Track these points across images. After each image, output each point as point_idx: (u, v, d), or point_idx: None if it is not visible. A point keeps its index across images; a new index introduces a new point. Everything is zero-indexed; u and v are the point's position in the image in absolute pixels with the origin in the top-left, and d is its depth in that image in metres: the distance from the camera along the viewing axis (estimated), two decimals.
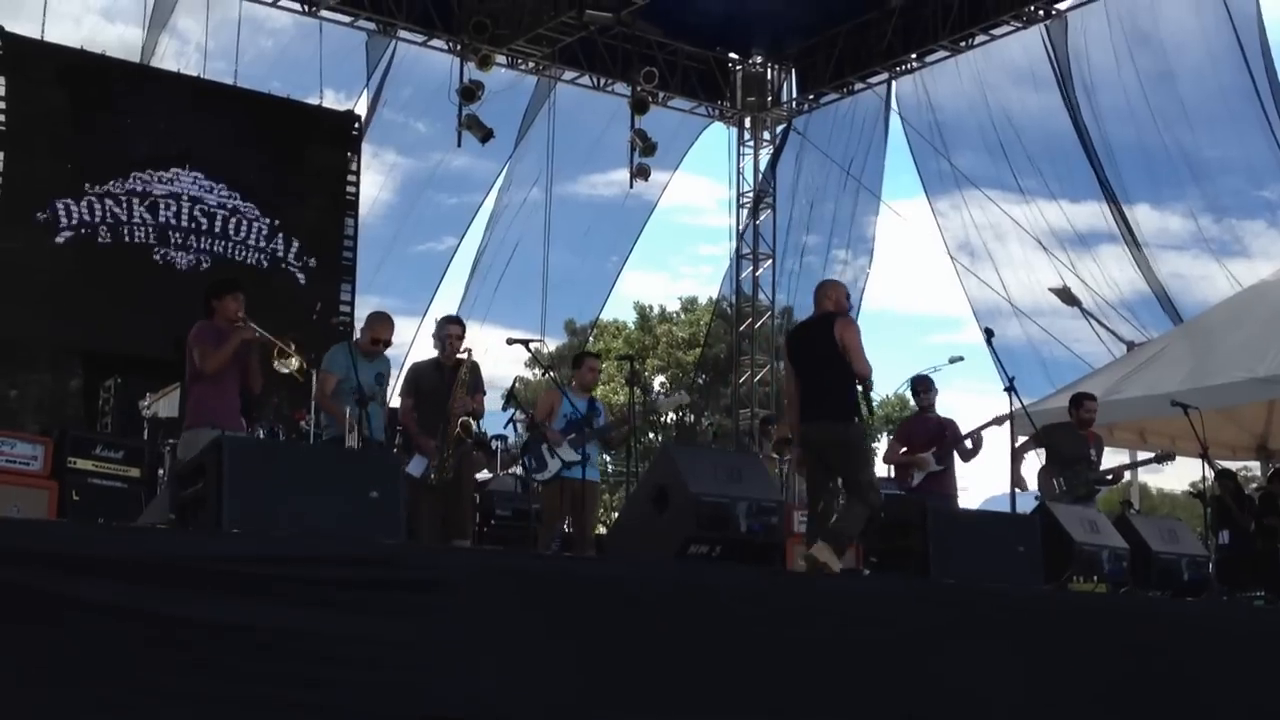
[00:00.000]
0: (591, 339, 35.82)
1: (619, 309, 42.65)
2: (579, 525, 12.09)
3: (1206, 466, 12.84)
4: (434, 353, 11.60)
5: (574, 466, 11.76)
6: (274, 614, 5.94)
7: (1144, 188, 19.44)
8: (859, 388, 9.77)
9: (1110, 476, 13.68)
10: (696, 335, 39.19)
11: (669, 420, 39.43)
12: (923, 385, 14.31)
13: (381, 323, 11.43)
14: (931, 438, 13.46)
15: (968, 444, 13.63)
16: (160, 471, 13.05)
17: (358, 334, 13.37)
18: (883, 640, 7.73)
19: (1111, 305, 19.19)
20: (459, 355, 11.28)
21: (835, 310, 10.08)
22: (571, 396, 12.14)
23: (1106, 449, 13.72)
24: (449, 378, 11.28)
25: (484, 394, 11.51)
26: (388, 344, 11.46)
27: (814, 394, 9.93)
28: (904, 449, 13.67)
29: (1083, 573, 9.41)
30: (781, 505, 8.96)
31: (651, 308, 43.58)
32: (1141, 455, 15.20)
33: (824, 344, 9.86)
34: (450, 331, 11.49)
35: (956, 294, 21.25)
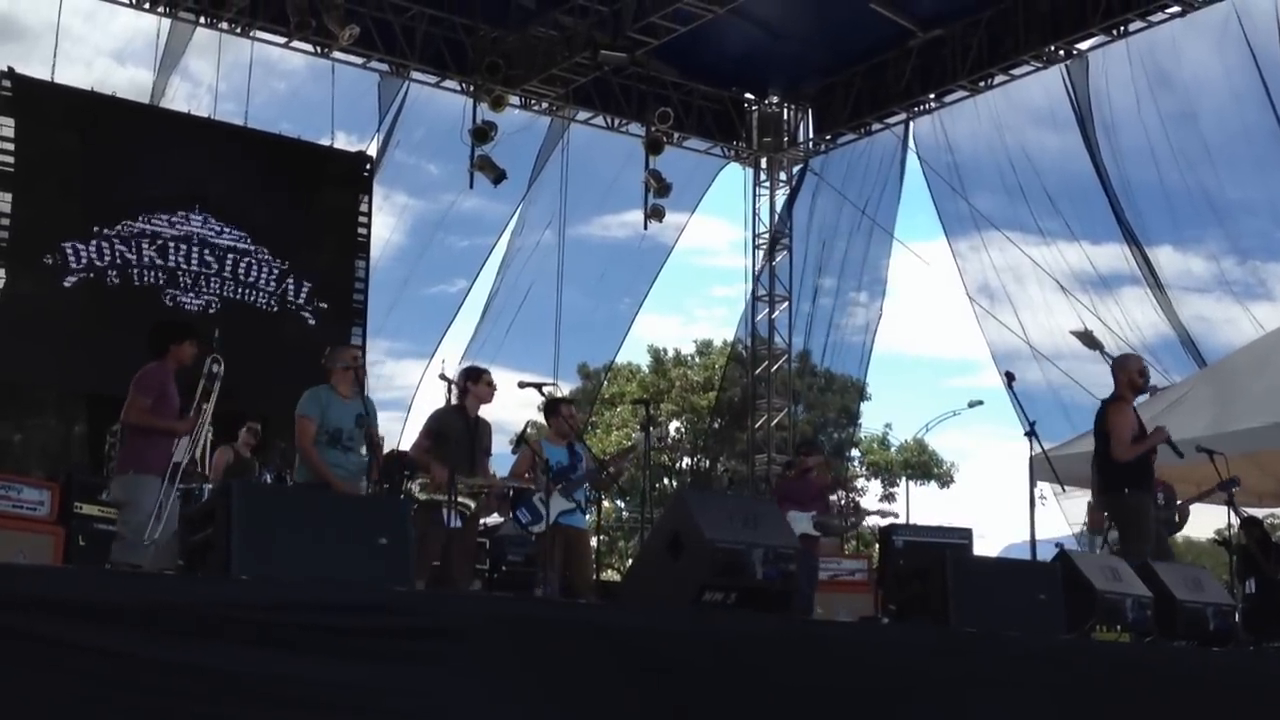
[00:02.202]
0: (605, 382, 35.79)
1: (633, 352, 42.60)
2: (576, 572, 12.06)
3: (1232, 513, 12.78)
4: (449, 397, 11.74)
5: (566, 515, 11.86)
6: (283, 661, 5.92)
7: (1166, 229, 19.41)
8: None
9: (1178, 518, 13.62)
10: (712, 379, 39.14)
11: (682, 466, 39.37)
12: (806, 449, 15.50)
13: (345, 349, 11.10)
14: (809, 500, 13.63)
15: (849, 520, 14.07)
16: None
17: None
18: (903, 689, 7.70)
19: (1134, 348, 19.09)
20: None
21: (1115, 392, 11.89)
22: (551, 447, 12.14)
23: None
24: (472, 426, 11.49)
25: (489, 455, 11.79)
26: (361, 367, 11.04)
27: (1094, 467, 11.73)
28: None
29: (1105, 622, 9.34)
30: (798, 552, 8.91)
31: (666, 351, 43.53)
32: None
33: (1100, 422, 11.76)
34: (488, 379, 11.67)
35: (975, 337, 21.21)
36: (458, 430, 11.47)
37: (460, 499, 11.03)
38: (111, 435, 15.74)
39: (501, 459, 13.75)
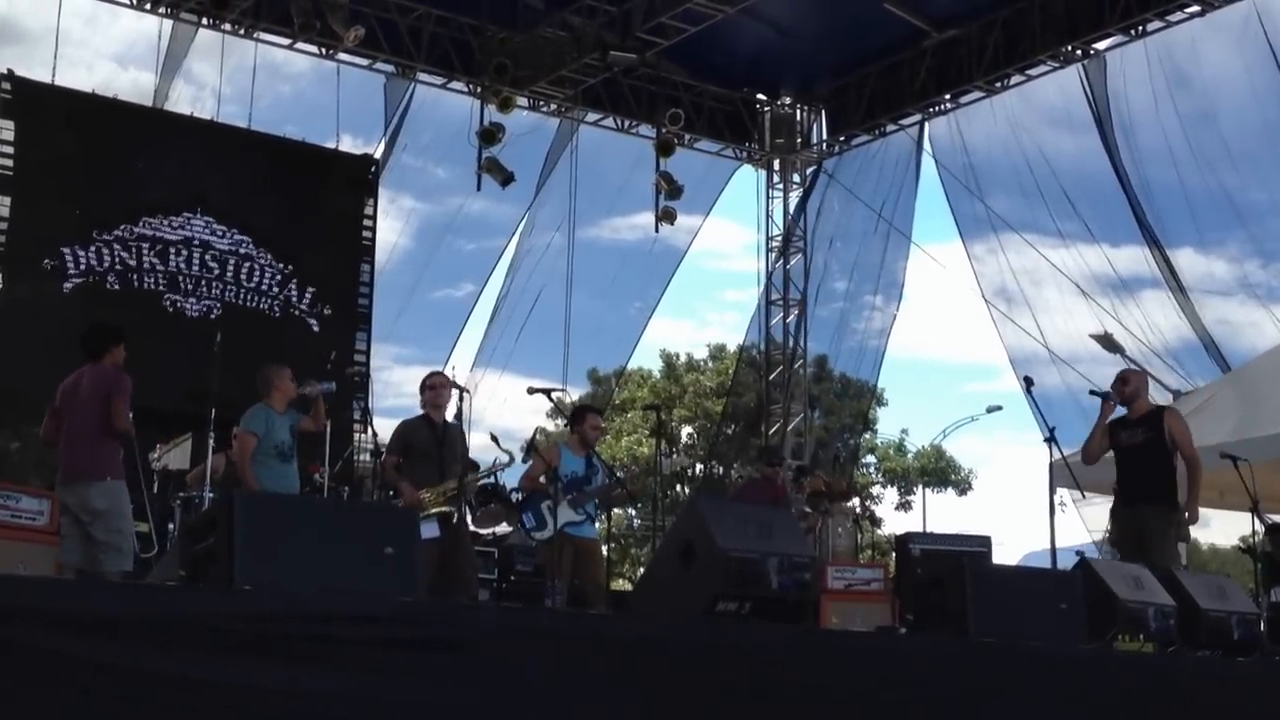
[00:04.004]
0: (616, 388, 35.73)
1: (643, 357, 42.58)
2: (587, 582, 12.04)
3: (1257, 520, 12.71)
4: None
5: (573, 525, 11.88)
6: (288, 673, 5.87)
7: (1187, 231, 19.33)
8: None
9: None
10: (725, 384, 39.10)
11: (694, 473, 39.31)
12: (768, 459, 16.04)
13: (283, 369, 11.48)
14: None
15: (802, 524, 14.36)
16: (170, 526, 13.03)
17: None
18: (921, 701, 7.65)
19: (1155, 353, 19.04)
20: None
21: None
22: (570, 454, 12.17)
23: None
24: (440, 434, 11.66)
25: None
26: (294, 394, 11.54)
27: None
28: None
29: (1128, 631, 9.28)
30: (815, 561, 8.87)
31: (678, 356, 43.48)
32: None
33: None
34: (437, 381, 11.77)
35: (993, 341, 21.14)
36: (425, 440, 11.58)
37: (438, 508, 11.16)
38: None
39: (514, 468, 13.79)
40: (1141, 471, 11.68)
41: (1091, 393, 12.30)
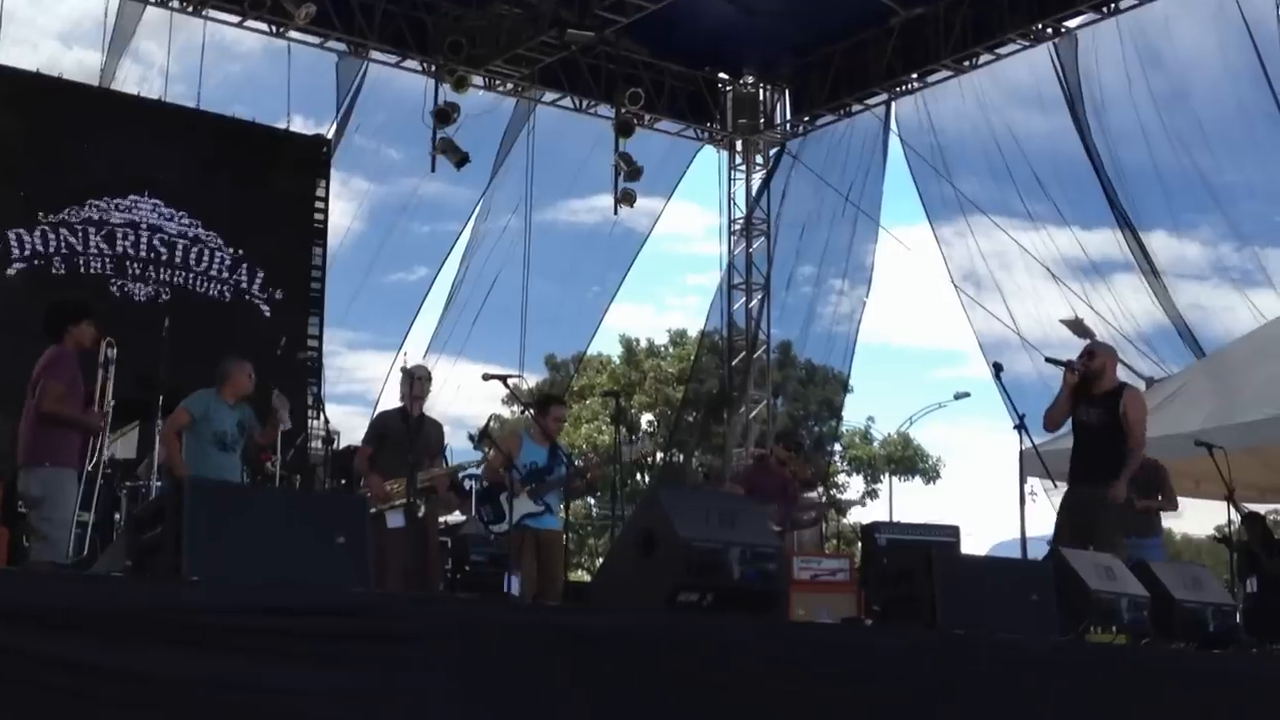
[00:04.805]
0: (574, 374, 35.70)
1: (603, 342, 42.53)
2: (545, 575, 12.03)
3: (1232, 509, 12.73)
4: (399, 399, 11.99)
5: (533, 517, 11.85)
6: (236, 668, 5.82)
7: (1160, 213, 19.36)
8: None
9: None
10: (687, 370, 39.10)
11: (654, 461, 39.30)
12: (789, 440, 15.57)
13: (242, 364, 11.57)
14: (772, 494, 13.68)
15: (810, 514, 14.12)
16: (117, 515, 12.94)
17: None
18: (887, 695, 7.63)
19: (1128, 338, 19.06)
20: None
21: None
22: (531, 444, 12.16)
23: None
24: (415, 427, 11.74)
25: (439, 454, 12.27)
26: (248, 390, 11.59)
27: None
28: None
29: (1100, 623, 9.28)
30: (780, 551, 8.83)
31: (638, 341, 43.43)
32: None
33: None
34: (417, 373, 11.94)
35: (961, 326, 21.13)
36: (397, 431, 11.63)
37: (404, 500, 11.19)
38: None
39: (466, 456, 13.77)
40: (1093, 452, 11.52)
41: (1048, 360, 12.14)
